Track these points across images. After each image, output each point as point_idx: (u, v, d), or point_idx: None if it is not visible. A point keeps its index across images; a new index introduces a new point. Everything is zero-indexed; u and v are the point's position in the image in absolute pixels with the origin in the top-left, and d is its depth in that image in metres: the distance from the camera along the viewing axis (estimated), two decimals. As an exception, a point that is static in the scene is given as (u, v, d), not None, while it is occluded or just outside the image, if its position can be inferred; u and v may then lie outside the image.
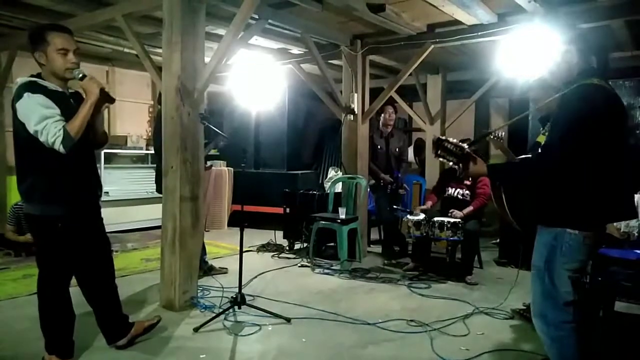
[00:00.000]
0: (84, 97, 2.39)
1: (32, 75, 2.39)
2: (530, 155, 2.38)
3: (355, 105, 5.22)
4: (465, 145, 2.15)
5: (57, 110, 2.28)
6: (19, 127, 2.29)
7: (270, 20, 4.27)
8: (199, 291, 3.63)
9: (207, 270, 4.30)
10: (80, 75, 2.37)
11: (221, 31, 4.81)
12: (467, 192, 4.59)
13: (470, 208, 4.43)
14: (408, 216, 4.57)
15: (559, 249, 1.98)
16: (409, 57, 5.19)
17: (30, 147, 2.30)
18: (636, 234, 3.95)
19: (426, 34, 4.87)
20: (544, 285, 2.04)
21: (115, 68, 6.84)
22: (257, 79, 4.97)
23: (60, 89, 2.39)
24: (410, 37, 4.93)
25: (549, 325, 2.04)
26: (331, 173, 6.83)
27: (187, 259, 3.44)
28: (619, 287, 2.95)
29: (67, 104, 2.37)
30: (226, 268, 4.46)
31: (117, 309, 2.76)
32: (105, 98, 2.39)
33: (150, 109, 7.37)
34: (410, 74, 5.55)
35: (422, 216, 4.44)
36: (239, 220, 3.44)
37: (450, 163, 2.17)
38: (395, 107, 5.61)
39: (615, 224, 4.06)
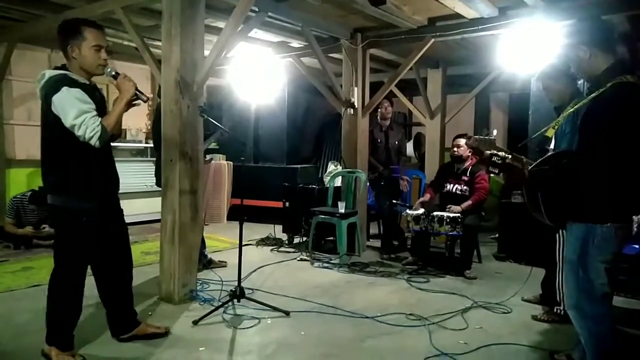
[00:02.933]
0: (100, 93, 2.46)
1: (56, 68, 2.41)
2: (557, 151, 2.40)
3: (355, 99, 5.20)
4: (509, 156, 2.20)
5: (93, 105, 2.33)
6: (51, 120, 2.30)
7: (270, 13, 4.25)
8: (198, 284, 3.64)
9: (207, 263, 4.31)
10: (113, 72, 2.42)
11: (221, 24, 4.79)
12: (466, 187, 4.59)
13: (469, 202, 4.43)
14: (407, 211, 4.57)
15: (591, 242, 2.00)
16: (410, 51, 5.17)
17: (60, 140, 2.33)
18: (635, 229, 3.96)
19: (427, 28, 4.85)
20: (579, 278, 2.05)
21: (114, 61, 6.79)
22: (256, 73, 4.96)
23: (87, 82, 2.43)
24: (411, 31, 4.91)
25: (587, 318, 2.06)
26: (331, 167, 6.81)
27: (187, 253, 3.44)
28: (616, 282, 2.95)
29: (93, 97, 2.40)
30: (225, 262, 4.47)
31: (130, 302, 2.79)
32: (139, 96, 2.46)
33: (150, 102, 7.35)
34: (411, 68, 5.53)
35: (421, 211, 4.45)
36: (238, 214, 3.44)
37: (494, 174, 2.23)
38: (391, 100, 5.60)
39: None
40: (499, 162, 2.19)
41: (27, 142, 6.05)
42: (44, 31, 5.10)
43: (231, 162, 7.16)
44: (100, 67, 2.41)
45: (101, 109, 2.40)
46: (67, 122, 2.25)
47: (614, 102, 1.94)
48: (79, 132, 2.25)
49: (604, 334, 2.04)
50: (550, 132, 3.11)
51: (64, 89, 2.26)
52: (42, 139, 2.42)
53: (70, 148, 2.33)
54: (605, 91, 1.97)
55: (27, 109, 6.04)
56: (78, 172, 2.38)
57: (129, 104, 2.44)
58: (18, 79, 5.92)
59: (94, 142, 2.27)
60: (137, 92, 2.44)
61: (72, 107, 2.25)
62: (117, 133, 2.56)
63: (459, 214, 4.30)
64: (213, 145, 6.08)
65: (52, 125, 2.32)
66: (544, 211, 2.16)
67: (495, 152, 2.20)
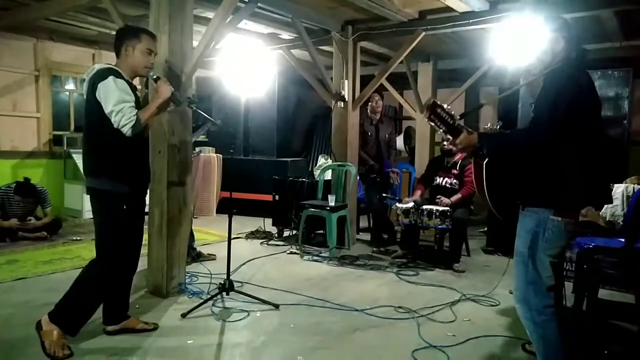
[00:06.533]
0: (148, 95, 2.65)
1: (107, 64, 2.56)
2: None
3: (346, 92, 5.19)
4: (458, 117, 2.14)
5: (133, 98, 2.49)
6: (93, 106, 2.44)
7: (259, 4, 4.20)
8: (187, 277, 3.62)
9: (196, 256, 4.29)
10: (155, 76, 2.62)
11: (210, 14, 4.72)
12: (455, 181, 4.60)
13: (458, 196, 4.45)
14: (397, 204, 4.58)
15: (542, 235, 2.02)
16: (400, 44, 5.16)
17: (100, 126, 2.44)
18: (621, 223, 4.01)
19: (418, 21, 4.84)
20: (528, 271, 2.07)
21: (102, 51, 6.70)
22: (246, 65, 4.91)
23: (130, 80, 2.59)
24: (402, 24, 4.90)
25: (532, 310, 2.08)
26: (321, 160, 6.81)
27: (175, 245, 3.41)
28: (603, 275, 3.00)
29: (134, 94, 2.56)
30: (214, 255, 4.45)
31: (128, 293, 2.84)
32: (174, 100, 2.64)
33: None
34: (401, 62, 5.52)
35: (411, 204, 4.46)
36: (227, 207, 3.41)
37: (440, 131, 2.15)
38: (381, 94, 5.59)
39: (600, 213, 4.11)
40: (447, 118, 2.10)
41: (12, 133, 5.95)
42: (29, 20, 4.99)
43: (220, 155, 7.08)
44: (145, 69, 2.60)
45: (138, 107, 2.54)
46: (107, 107, 2.38)
47: (560, 78, 1.96)
48: (115, 118, 2.38)
49: (547, 324, 2.06)
50: None
51: (111, 77, 2.41)
52: (85, 128, 2.59)
53: (110, 135, 2.43)
54: (553, 70, 2.01)
55: (12, 100, 5.93)
56: (115, 156, 2.50)
57: (163, 105, 2.60)
58: (3, 69, 5.81)
59: (127, 129, 2.38)
60: (173, 95, 2.60)
61: (114, 94, 2.39)
62: (147, 132, 2.68)
63: (448, 208, 4.32)
64: (202, 138, 6.03)
65: (93, 112, 2.45)
66: (488, 197, 2.14)
67: (444, 106, 2.12)
